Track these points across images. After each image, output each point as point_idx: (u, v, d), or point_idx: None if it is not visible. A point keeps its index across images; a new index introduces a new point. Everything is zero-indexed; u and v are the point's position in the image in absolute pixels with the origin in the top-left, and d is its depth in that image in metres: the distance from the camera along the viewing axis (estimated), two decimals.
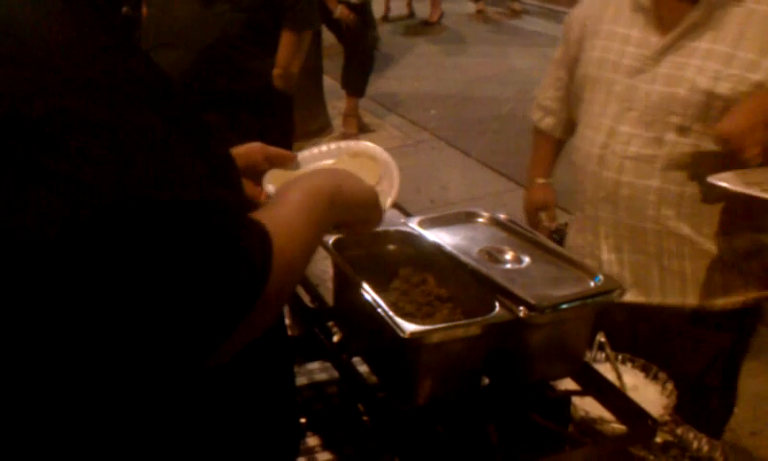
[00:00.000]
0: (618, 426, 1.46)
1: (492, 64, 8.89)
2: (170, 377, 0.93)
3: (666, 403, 1.64)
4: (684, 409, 1.67)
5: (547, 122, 2.40)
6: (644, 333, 2.07)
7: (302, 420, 1.52)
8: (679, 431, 1.63)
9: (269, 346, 1.15)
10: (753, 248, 2.00)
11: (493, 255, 1.46)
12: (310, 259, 1.07)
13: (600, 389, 1.49)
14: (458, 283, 1.43)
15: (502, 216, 1.62)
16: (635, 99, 1.95)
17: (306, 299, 1.70)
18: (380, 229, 1.54)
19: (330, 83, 6.80)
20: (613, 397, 1.48)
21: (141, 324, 0.82)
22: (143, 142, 0.85)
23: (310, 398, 1.64)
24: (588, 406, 1.52)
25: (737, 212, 1.95)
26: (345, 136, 6.24)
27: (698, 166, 1.88)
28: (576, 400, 1.52)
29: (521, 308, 1.29)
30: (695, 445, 1.62)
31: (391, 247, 1.57)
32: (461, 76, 8.41)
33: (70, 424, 0.92)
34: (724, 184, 1.71)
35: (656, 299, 2.05)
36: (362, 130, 6.54)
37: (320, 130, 6.42)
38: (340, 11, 5.95)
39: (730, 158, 1.74)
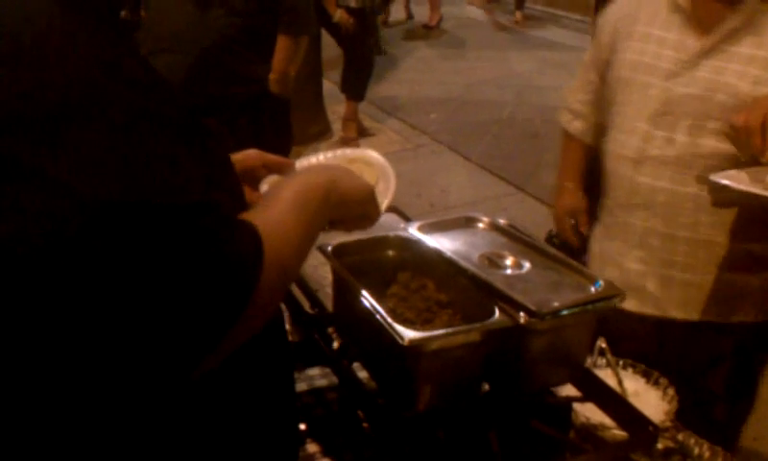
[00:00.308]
0: (619, 433, 1.45)
1: (492, 68, 8.90)
2: (167, 381, 0.92)
3: (667, 409, 1.63)
4: (686, 415, 1.66)
5: (576, 126, 2.36)
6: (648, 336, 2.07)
7: (302, 426, 1.52)
8: (680, 437, 1.62)
9: (269, 351, 1.14)
10: None
11: (494, 261, 1.46)
12: (305, 258, 1.06)
13: (601, 395, 1.48)
14: (458, 289, 1.43)
15: (502, 221, 1.61)
16: (672, 103, 1.93)
17: (306, 305, 1.70)
18: (380, 234, 1.55)
19: (330, 87, 6.80)
20: (614, 403, 1.47)
21: (131, 328, 0.82)
22: (137, 145, 0.84)
23: (310, 404, 1.63)
24: (589, 412, 1.51)
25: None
26: (344, 141, 6.24)
27: None
28: (577, 406, 1.51)
29: (522, 314, 1.28)
30: (696, 451, 1.61)
31: (390, 252, 1.57)
32: (460, 80, 8.42)
33: (65, 430, 0.91)
34: (726, 182, 1.70)
35: (675, 314, 2.04)
36: (362, 134, 6.54)
37: (319, 134, 6.42)
38: (339, 15, 5.94)
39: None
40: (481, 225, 1.61)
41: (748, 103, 1.77)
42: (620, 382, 1.67)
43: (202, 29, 3.15)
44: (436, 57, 9.29)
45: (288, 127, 3.59)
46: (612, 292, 1.38)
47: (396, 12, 10.88)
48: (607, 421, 1.47)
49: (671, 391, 1.67)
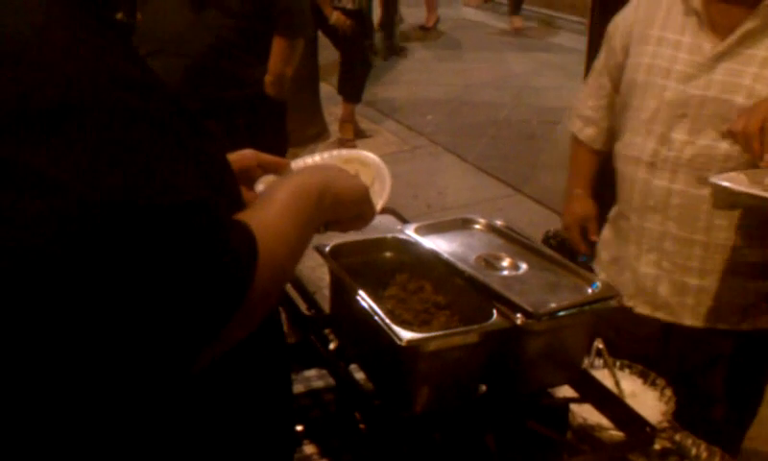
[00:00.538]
0: (616, 433, 1.45)
1: (489, 70, 8.90)
2: (163, 377, 0.92)
3: (665, 410, 1.63)
4: (684, 415, 1.67)
5: (587, 133, 2.35)
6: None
7: (299, 427, 1.52)
8: (677, 438, 1.62)
9: (267, 353, 1.15)
10: None
11: (491, 262, 1.46)
12: (299, 259, 1.06)
13: (598, 396, 1.48)
14: (455, 291, 1.43)
15: (499, 223, 1.61)
16: (688, 106, 1.93)
17: (303, 306, 1.70)
18: (377, 236, 1.55)
19: (327, 88, 6.81)
20: (612, 404, 1.47)
21: (127, 325, 0.82)
22: (133, 146, 0.84)
23: (307, 405, 1.63)
24: (587, 413, 1.51)
25: None
26: (341, 142, 6.24)
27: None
28: (574, 407, 1.51)
29: (519, 316, 1.28)
30: (694, 451, 1.61)
31: (388, 254, 1.57)
32: (457, 81, 8.42)
33: (65, 427, 0.91)
34: (726, 184, 1.71)
35: (688, 321, 2.04)
36: (359, 135, 6.54)
37: (316, 135, 6.42)
38: (335, 17, 5.95)
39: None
40: (478, 226, 1.61)
41: (747, 108, 1.78)
42: (617, 383, 1.67)
43: (197, 31, 3.15)
44: (433, 58, 9.29)
45: (284, 129, 3.58)
46: (609, 293, 1.38)
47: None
48: (604, 421, 1.48)
49: (668, 392, 1.68)
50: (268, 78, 3.31)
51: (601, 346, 1.73)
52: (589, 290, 1.38)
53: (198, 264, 0.85)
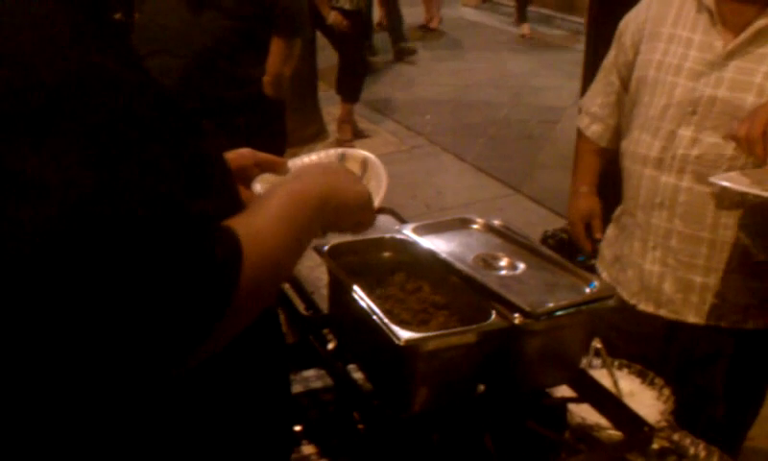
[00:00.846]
0: (615, 433, 1.46)
1: (487, 69, 8.90)
2: (153, 380, 0.92)
3: (663, 409, 1.63)
4: (683, 414, 1.67)
5: (594, 130, 2.35)
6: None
7: (298, 427, 1.52)
8: (676, 437, 1.62)
9: (266, 353, 1.15)
10: None
11: (488, 262, 1.46)
12: (294, 262, 1.05)
13: (596, 396, 1.48)
14: (453, 290, 1.43)
15: (497, 222, 1.61)
16: (698, 103, 1.93)
17: (301, 306, 1.70)
18: (375, 236, 1.55)
19: (325, 88, 6.81)
20: (610, 403, 1.47)
21: (108, 331, 0.82)
22: (116, 152, 0.84)
23: (305, 405, 1.63)
24: (585, 413, 1.51)
25: None
26: (340, 142, 6.24)
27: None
28: (572, 406, 1.52)
29: (516, 315, 1.28)
30: (692, 451, 1.61)
31: (386, 254, 1.57)
32: (456, 81, 8.42)
33: (57, 429, 0.92)
34: (725, 183, 1.71)
35: (691, 319, 2.04)
36: (357, 135, 6.54)
37: (315, 135, 6.42)
38: (333, 17, 5.94)
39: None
40: (476, 226, 1.61)
41: (749, 112, 1.78)
42: (616, 383, 1.67)
43: (195, 31, 3.14)
44: (431, 58, 9.29)
45: (283, 130, 3.58)
46: (607, 293, 1.39)
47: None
48: (602, 421, 1.48)
49: (667, 391, 1.68)
50: (266, 78, 3.31)
51: (599, 346, 1.73)
52: (587, 290, 1.38)
53: (180, 271, 0.84)
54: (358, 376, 1.53)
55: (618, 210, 2.23)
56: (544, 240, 2.74)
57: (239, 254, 0.90)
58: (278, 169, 1.47)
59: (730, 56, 1.90)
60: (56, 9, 0.89)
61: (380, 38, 9.13)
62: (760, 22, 1.86)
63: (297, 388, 1.65)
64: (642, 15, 2.13)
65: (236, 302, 0.89)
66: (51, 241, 0.78)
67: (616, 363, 1.75)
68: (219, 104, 3.14)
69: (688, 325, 2.04)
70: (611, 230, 2.27)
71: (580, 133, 2.43)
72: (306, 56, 5.43)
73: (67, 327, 0.81)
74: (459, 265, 1.43)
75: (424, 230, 1.58)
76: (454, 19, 10.86)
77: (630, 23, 2.18)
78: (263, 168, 1.45)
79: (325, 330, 1.61)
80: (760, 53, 1.87)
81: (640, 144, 2.05)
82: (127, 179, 0.83)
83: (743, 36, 1.88)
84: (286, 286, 1.70)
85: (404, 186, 5.33)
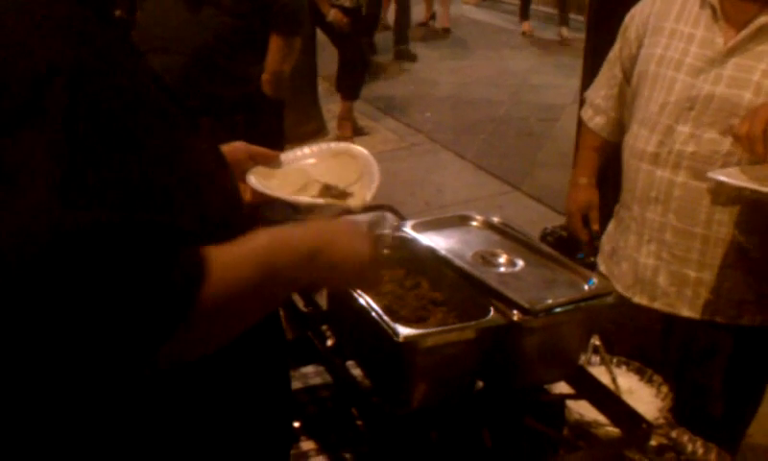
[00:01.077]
0: (613, 430, 1.46)
1: (487, 67, 8.90)
2: (118, 382, 0.91)
3: (661, 406, 1.64)
4: (681, 411, 1.67)
5: (597, 122, 2.35)
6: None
7: (297, 424, 1.52)
8: (674, 434, 1.63)
9: (266, 349, 1.15)
10: None
11: (487, 259, 1.46)
12: (262, 303, 1.01)
13: (594, 392, 1.49)
14: (452, 287, 1.43)
15: (496, 219, 1.62)
16: (696, 99, 1.93)
17: (300, 303, 1.70)
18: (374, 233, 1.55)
19: (325, 86, 6.80)
20: (608, 400, 1.47)
21: (67, 333, 0.81)
22: (92, 151, 0.84)
23: (304, 402, 1.63)
24: (583, 410, 1.52)
25: None
26: (339, 140, 6.23)
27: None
28: (570, 403, 1.52)
29: (515, 312, 1.29)
30: (690, 448, 1.62)
31: (385, 251, 1.57)
32: (455, 79, 8.42)
33: (52, 429, 0.93)
34: (724, 178, 1.72)
35: (685, 312, 2.05)
36: (357, 133, 6.53)
37: (314, 132, 6.42)
38: (333, 14, 5.94)
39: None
40: (475, 223, 1.62)
41: (750, 111, 1.78)
42: (614, 380, 1.67)
43: (194, 29, 3.14)
44: (431, 56, 9.29)
45: (280, 127, 3.57)
46: (606, 290, 1.39)
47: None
48: (600, 418, 1.48)
49: (665, 388, 1.68)
50: (265, 76, 3.30)
51: (598, 343, 1.73)
52: (586, 287, 1.39)
53: (135, 283, 0.82)
54: (357, 372, 1.53)
55: (618, 201, 2.24)
56: (543, 237, 2.73)
57: (200, 276, 0.87)
58: (272, 162, 1.48)
59: (730, 52, 1.90)
60: (51, 2, 0.89)
61: (382, 37, 9.12)
62: (762, 19, 1.86)
63: (296, 384, 1.66)
64: (647, 9, 2.14)
65: (193, 321, 0.86)
66: (14, 238, 0.78)
67: (615, 360, 1.75)
68: (217, 101, 3.14)
69: (684, 319, 2.04)
70: (611, 225, 2.28)
71: (583, 125, 2.44)
72: (306, 53, 5.43)
73: (29, 324, 0.79)
74: (458, 262, 1.44)
75: (423, 226, 1.58)
76: (454, 17, 10.85)
77: (635, 16, 2.19)
78: (257, 161, 1.47)
79: (324, 327, 1.62)
80: (760, 50, 1.87)
81: (639, 138, 2.06)
82: (97, 183, 0.83)
83: (744, 32, 1.88)
84: None
85: (404, 184, 5.33)
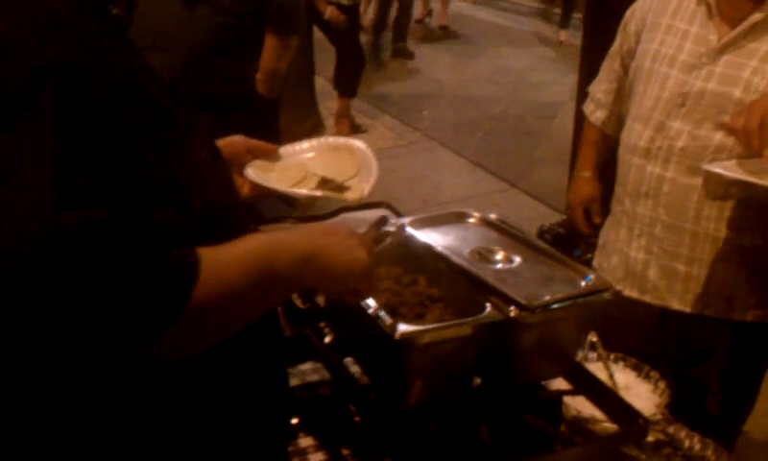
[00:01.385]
0: (610, 426, 1.46)
1: (485, 65, 8.90)
2: (109, 377, 0.92)
3: (658, 402, 1.64)
4: (679, 408, 1.67)
5: (598, 116, 2.38)
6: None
7: (295, 420, 1.52)
8: (671, 430, 1.63)
9: (264, 346, 1.15)
10: None
11: (484, 256, 1.46)
12: (254, 305, 1.01)
13: (592, 388, 1.49)
14: (449, 284, 1.43)
15: (493, 216, 1.62)
16: (688, 95, 1.94)
17: (298, 300, 1.70)
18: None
19: (322, 83, 6.80)
20: (605, 396, 1.48)
21: (58, 327, 0.81)
22: (87, 147, 0.84)
23: (302, 398, 1.63)
24: (580, 406, 1.52)
25: None
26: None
27: None
28: (568, 399, 1.52)
29: (512, 308, 1.29)
30: (687, 443, 1.62)
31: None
32: (453, 76, 8.42)
33: (50, 428, 0.93)
34: (719, 171, 1.72)
35: (675, 306, 2.06)
36: (354, 130, 6.53)
37: (312, 130, 6.40)
38: (330, 12, 5.94)
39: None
40: (472, 220, 1.62)
41: (746, 105, 1.79)
42: (611, 376, 1.67)
43: (189, 27, 3.13)
44: (429, 53, 9.28)
45: (275, 126, 3.56)
46: (603, 286, 1.39)
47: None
48: (598, 414, 1.48)
49: (662, 384, 1.68)
50: (259, 76, 3.29)
51: (595, 339, 1.73)
52: (583, 283, 1.39)
53: (128, 282, 0.82)
54: (355, 369, 1.54)
55: (613, 195, 2.25)
56: (541, 235, 2.75)
57: (193, 275, 0.87)
58: (270, 156, 1.48)
59: (723, 49, 1.91)
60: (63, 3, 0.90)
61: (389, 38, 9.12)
62: (755, 16, 1.87)
63: (294, 381, 1.66)
64: (647, 4, 2.16)
65: (185, 319, 0.86)
66: (6, 238, 0.78)
67: (612, 356, 1.75)
68: (212, 100, 3.12)
69: (677, 314, 2.05)
70: (608, 218, 2.30)
71: (585, 119, 2.45)
72: (303, 50, 5.43)
73: (21, 323, 0.79)
74: (455, 259, 1.44)
75: (421, 223, 1.59)
76: (452, 15, 10.84)
77: (636, 11, 2.21)
78: (255, 155, 1.47)
79: (322, 324, 1.62)
80: (752, 48, 1.88)
81: (632, 133, 2.08)
82: (90, 181, 0.83)
83: (738, 29, 1.89)
84: None
85: (401, 181, 5.33)
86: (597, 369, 1.63)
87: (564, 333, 1.42)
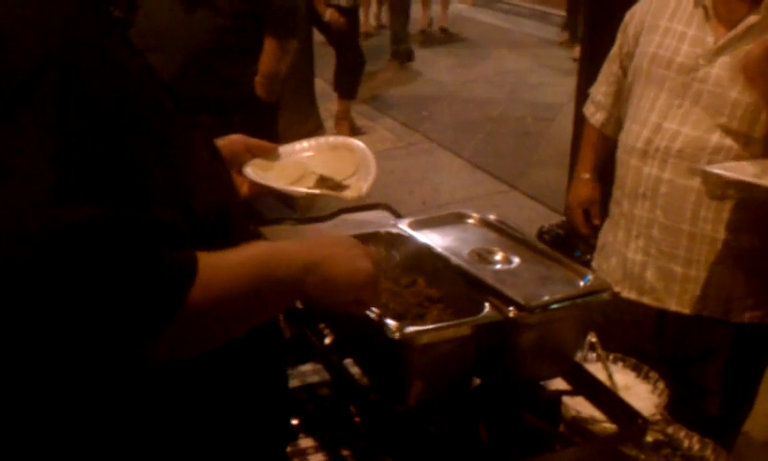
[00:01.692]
0: (609, 426, 1.46)
1: (484, 66, 8.91)
2: (105, 378, 0.91)
3: (658, 402, 1.64)
4: (678, 408, 1.67)
5: (598, 118, 2.39)
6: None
7: (295, 421, 1.53)
8: (670, 430, 1.63)
9: (263, 347, 1.15)
10: None
11: (483, 256, 1.47)
12: (249, 313, 1.00)
13: (591, 389, 1.49)
14: (448, 284, 1.44)
15: (492, 217, 1.63)
16: (685, 97, 1.96)
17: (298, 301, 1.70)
18: (371, 230, 1.55)
19: (322, 85, 6.80)
20: (604, 396, 1.48)
21: (54, 327, 0.81)
22: (84, 144, 0.84)
23: (302, 399, 1.64)
24: (579, 406, 1.52)
25: None
26: None
27: None
28: (567, 399, 1.52)
29: (511, 309, 1.29)
30: (686, 443, 1.63)
31: (382, 248, 1.57)
32: (453, 78, 8.42)
33: (48, 427, 0.93)
34: (719, 172, 1.73)
35: (673, 307, 2.06)
36: (354, 132, 6.53)
37: (312, 132, 6.40)
38: (329, 14, 5.94)
39: None
40: (471, 221, 1.62)
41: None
42: (610, 376, 1.68)
43: (188, 30, 3.13)
44: (428, 55, 9.29)
45: (274, 129, 3.56)
46: (601, 286, 1.39)
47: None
48: (597, 414, 1.49)
49: (661, 384, 1.69)
50: (258, 79, 3.29)
51: (594, 339, 1.74)
52: (581, 283, 1.39)
53: (123, 281, 0.82)
54: (355, 370, 1.54)
55: (611, 197, 2.26)
56: (540, 236, 2.75)
57: (189, 276, 0.88)
58: (269, 154, 1.48)
59: (719, 51, 1.92)
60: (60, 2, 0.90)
61: (379, 37, 9.11)
62: (752, 18, 1.88)
63: (293, 382, 1.66)
64: (646, 7, 2.17)
65: (181, 320, 0.86)
66: (4, 235, 0.78)
67: (611, 356, 1.75)
68: (212, 102, 3.13)
69: (675, 315, 2.06)
70: (607, 220, 2.30)
71: (585, 121, 2.46)
72: (303, 53, 5.43)
73: (18, 320, 0.80)
74: (454, 259, 1.44)
75: (420, 224, 1.59)
76: (451, 17, 10.85)
77: (635, 14, 2.22)
78: (255, 154, 1.48)
79: (322, 325, 1.62)
80: (747, 49, 1.88)
81: (630, 135, 2.09)
82: (88, 179, 0.83)
83: (734, 32, 1.90)
84: None
85: (401, 183, 5.33)
86: (596, 369, 1.64)
87: (562, 333, 1.42)
